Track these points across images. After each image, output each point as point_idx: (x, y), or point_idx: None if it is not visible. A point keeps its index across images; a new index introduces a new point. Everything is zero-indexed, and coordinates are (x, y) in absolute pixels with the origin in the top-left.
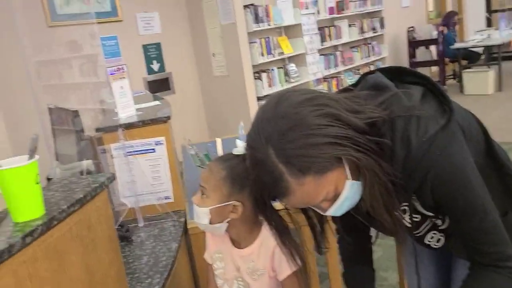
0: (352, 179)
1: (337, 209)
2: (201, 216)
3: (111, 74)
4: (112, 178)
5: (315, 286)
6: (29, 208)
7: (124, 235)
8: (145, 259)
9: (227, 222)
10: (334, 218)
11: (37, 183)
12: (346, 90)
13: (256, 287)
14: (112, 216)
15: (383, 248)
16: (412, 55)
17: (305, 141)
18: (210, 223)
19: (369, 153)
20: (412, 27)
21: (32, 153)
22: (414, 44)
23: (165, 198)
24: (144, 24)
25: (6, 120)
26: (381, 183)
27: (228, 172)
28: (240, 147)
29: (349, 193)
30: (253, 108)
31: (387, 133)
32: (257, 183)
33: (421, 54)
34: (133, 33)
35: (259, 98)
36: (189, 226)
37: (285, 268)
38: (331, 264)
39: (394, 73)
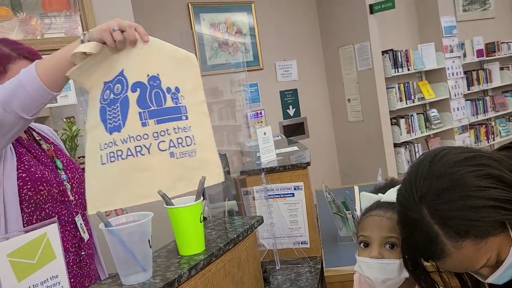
0: None
1: (499, 277)
2: (391, 269)
3: (251, 118)
4: (261, 221)
5: None
6: (193, 243)
7: (263, 276)
8: None
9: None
10: (492, 285)
11: (201, 222)
12: (507, 147)
13: None
14: (259, 256)
15: None
16: None
17: (463, 203)
18: None
19: None
20: None
21: (199, 194)
22: None
23: (301, 243)
24: (283, 71)
25: None
26: None
27: None
28: None
29: None
30: (390, 154)
31: None
32: (409, 242)
33: None
34: (271, 80)
35: (396, 145)
36: (326, 274)
37: None
38: None
39: None
